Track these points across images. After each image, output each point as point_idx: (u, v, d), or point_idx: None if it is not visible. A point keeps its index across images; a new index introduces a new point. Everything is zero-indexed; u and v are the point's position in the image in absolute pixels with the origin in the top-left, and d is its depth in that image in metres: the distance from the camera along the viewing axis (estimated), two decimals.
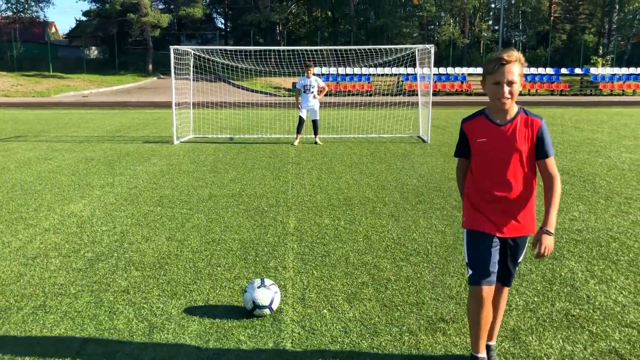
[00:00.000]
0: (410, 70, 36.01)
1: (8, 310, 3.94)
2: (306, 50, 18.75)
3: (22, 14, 50.10)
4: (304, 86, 13.21)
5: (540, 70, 42.04)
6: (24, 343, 3.47)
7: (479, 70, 41.81)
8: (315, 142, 13.37)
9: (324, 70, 37.86)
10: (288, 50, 20.14)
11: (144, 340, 3.50)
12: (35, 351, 3.37)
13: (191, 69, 15.06)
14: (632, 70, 42.23)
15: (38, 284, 4.45)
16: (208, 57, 16.82)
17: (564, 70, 42.15)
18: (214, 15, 63.51)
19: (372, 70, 38.17)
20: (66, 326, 3.70)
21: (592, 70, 42.85)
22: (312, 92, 13.13)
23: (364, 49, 18.45)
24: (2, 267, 4.83)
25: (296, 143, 13.23)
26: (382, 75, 38.47)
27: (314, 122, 13.40)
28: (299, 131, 13.33)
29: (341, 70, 38.22)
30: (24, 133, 15.68)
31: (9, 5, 49.15)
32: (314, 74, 13.40)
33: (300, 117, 13.31)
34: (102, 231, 5.91)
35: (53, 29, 70.38)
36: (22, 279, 4.54)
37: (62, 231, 5.92)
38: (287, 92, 37.70)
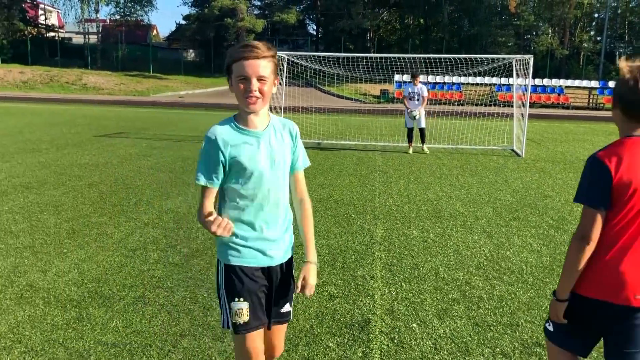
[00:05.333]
0: (504, 80, 34.89)
1: (111, 299, 4.17)
2: (396, 58, 18.63)
3: (128, 17, 53.24)
4: (410, 93, 13.31)
5: None
6: (126, 332, 3.66)
7: (578, 82, 39.93)
8: (422, 150, 13.34)
9: None
10: (378, 57, 20.12)
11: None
12: (136, 340, 3.54)
13: (284, 73, 15.37)
14: None
15: (138, 275, 4.68)
16: (299, 62, 17.10)
17: None
18: (307, 21, 64.60)
19: (463, 79, 37.35)
20: (163, 319, 3.86)
21: None
22: (418, 100, 13.18)
23: (457, 58, 18.07)
24: (106, 257, 5.12)
25: (410, 151, 13.30)
26: (474, 84, 37.54)
27: (421, 130, 13.36)
28: (410, 140, 13.39)
29: (431, 79, 37.69)
30: (126, 130, 16.62)
31: (118, 9, 52.42)
32: (420, 82, 13.48)
33: (408, 128, 13.39)
34: (197, 228, 6.13)
35: (155, 32, 74.26)
36: (123, 270, 4.79)
37: (160, 226, 6.20)
38: (374, 99, 37.69)
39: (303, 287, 2.43)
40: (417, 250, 5.55)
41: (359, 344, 3.57)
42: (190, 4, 53.91)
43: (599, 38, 53.58)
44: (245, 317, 2.32)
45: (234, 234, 2.30)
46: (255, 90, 2.18)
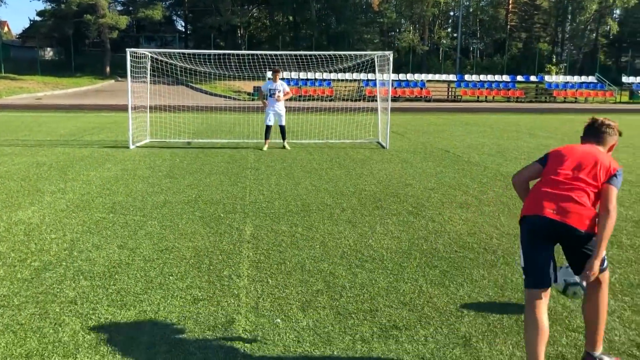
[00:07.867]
0: (370, 76, 36.31)
1: None
2: (267, 55, 18.68)
3: None
4: (270, 90, 13.13)
5: (497, 78, 43.00)
6: None
7: (438, 76, 42.54)
8: (283, 147, 13.26)
9: (286, 74, 37.81)
10: (249, 55, 20.05)
11: (90, 354, 3.39)
12: None
13: (148, 71, 14.80)
14: (584, 78, 43.68)
15: None
16: (166, 60, 16.56)
17: (519, 78, 43.24)
18: (174, 17, 62.71)
19: (333, 76, 38.31)
20: (7, 340, 3.54)
21: (547, 78, 44.10)
22: (278, 96, 13.05)
23: (325, 55, 18.50)
24: None
25: (265, 148, 13.09)
26: (343, 80, 38.67)
27: (282, 127, 13.29)
28: (267, 137, 13.23)
29: (302, 75, 38.24)
30: None
31: None
32: (280, 79, 13.33)
33: (267, 125, 13.17)
34: (50, 239, 5.72)
35: (5, 29, 68.28)
36: None
37: (8, 239, 5.70)
38: (247, 96, 37.49)
39: None
40: (284, 245, 5.60)
41: (222, 345, 3.53)
42: None
43: (455, 35, 57.52)
44: None
45: None
46: None
